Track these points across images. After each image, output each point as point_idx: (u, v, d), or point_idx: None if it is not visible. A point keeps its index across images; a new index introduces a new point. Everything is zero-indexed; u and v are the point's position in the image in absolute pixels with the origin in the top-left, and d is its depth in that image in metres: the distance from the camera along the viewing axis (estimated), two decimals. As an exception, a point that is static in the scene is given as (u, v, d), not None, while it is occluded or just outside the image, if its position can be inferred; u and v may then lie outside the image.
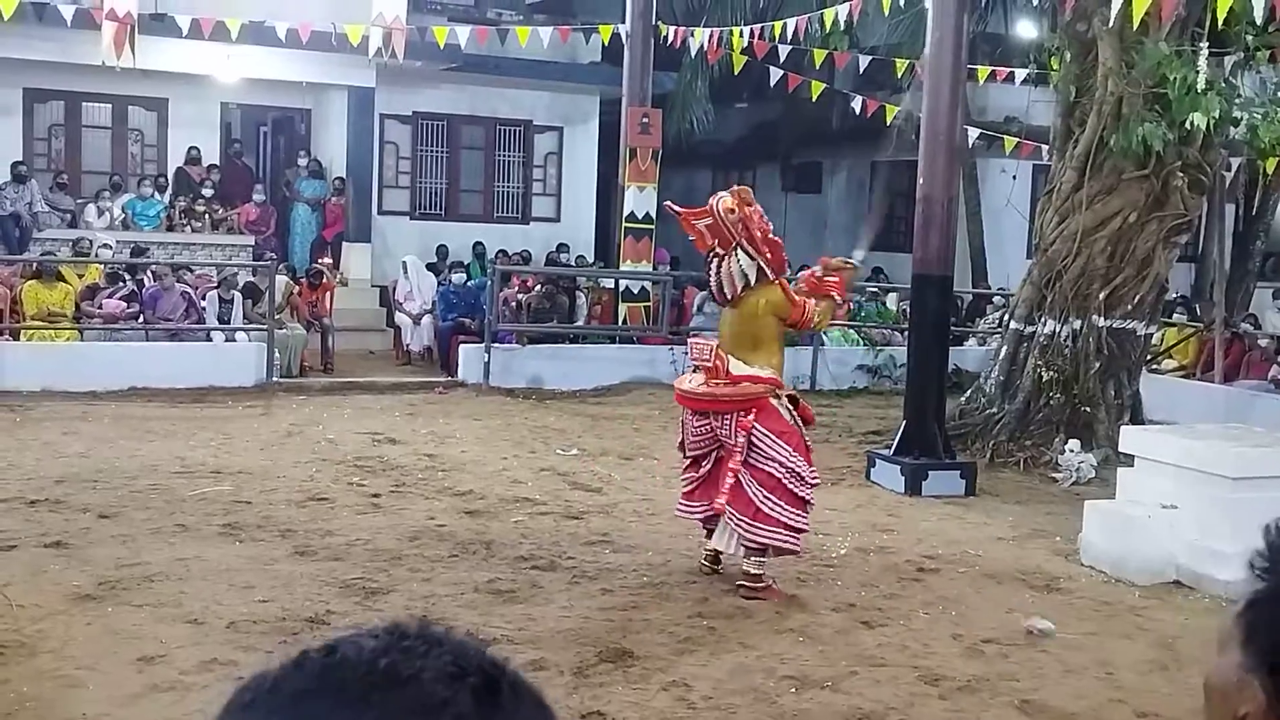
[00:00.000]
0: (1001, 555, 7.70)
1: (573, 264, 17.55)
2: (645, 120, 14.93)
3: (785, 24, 14.62)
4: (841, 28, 14.63)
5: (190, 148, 17.18)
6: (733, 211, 7.04)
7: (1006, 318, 12.31)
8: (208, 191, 16.74)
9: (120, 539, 7.00)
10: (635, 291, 15.11)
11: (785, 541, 6.57)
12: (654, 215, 15.18)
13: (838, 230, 22.69)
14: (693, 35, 15.19)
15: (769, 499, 6.51)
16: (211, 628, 5.65)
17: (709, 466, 6.87)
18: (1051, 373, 10.77)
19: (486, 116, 19.01)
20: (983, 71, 15.41)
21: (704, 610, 6.27)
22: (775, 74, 15.59)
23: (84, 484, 8.26)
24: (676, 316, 15.26)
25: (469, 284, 15.13)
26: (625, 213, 15.03)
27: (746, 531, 6.52)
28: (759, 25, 15.33)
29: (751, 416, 6.60)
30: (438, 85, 17.97)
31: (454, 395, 12.96)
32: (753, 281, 6.91)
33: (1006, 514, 8.87)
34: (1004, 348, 11.44)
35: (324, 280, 14.49)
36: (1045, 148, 13.23)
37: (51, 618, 5.66)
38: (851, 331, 15.77)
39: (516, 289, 15.37)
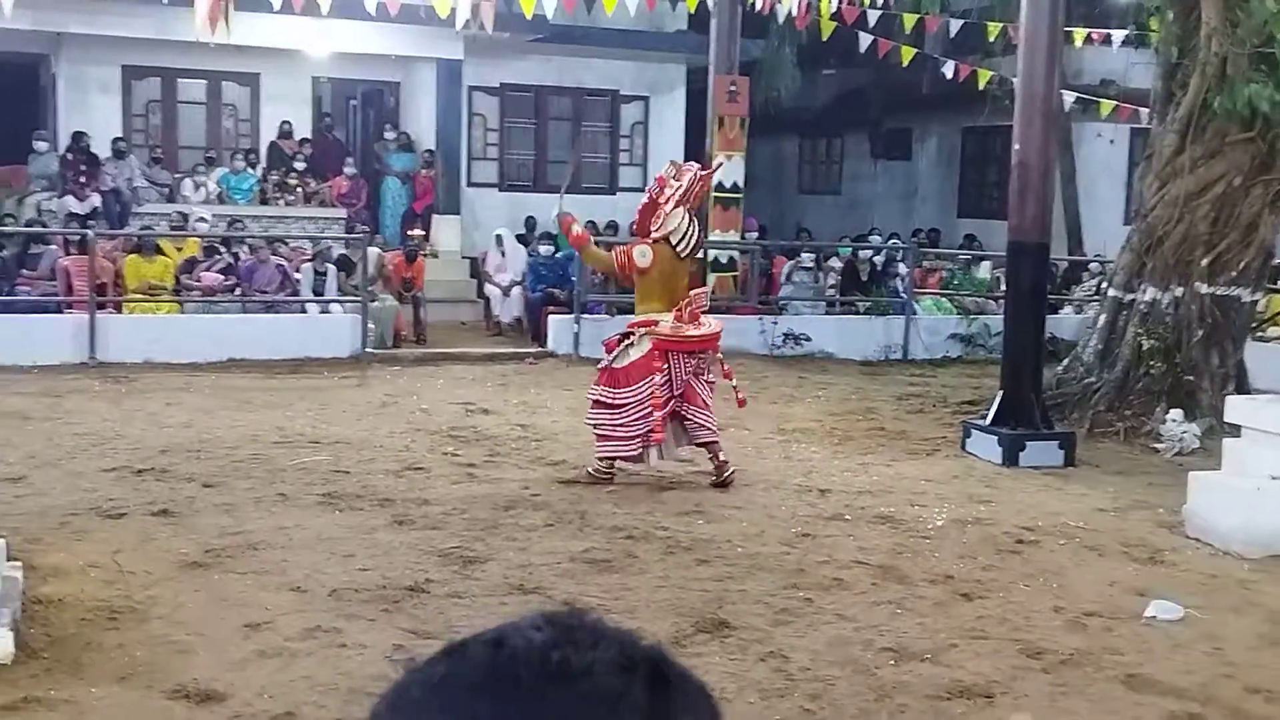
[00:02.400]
0: (1103, 527, 7.56)
1: (660, 234, 17.50)
2: (733, 88, 14.81)
3: (876, -12, 14.41)
4: (933, -9, 14.39)
5: (282, 122, 17.41)
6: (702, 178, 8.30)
7: (1104, 285, 12.07)
8: (300, 165, 16.96)
9: (224, 508, 7.15)
10: (724, 261, 15.04)
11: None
12: (742, 184, 15.08)
13: (929, 197, 22.42)
14: (780, 1, 15.01)
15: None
16: (314, 595, 5.75)
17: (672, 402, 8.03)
18: (1152, 341, 10.53)
19: (573, 87, 19.02)
20: (1079, 34, 15.07)
21: (799, 581, 6.24)
22: (864, 39, 15.38)
23: (188, 454, 8.44)
24: (766, 286, 15.17)
25: (557, 255, 15.17)
26: (713, 182, 14.93)
27: (716, 434, 8.17)
28: (849, -10, 15.11)
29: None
30: (525, 56, 18.00)
31: (544, 366, 13.03)
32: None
33: (1107, 485, 8.71)
34: (1102, 315, 11.21)
35: (420, 253, 14.63)
36: (1144, 111, 12.90)
37: (161, 584, 5.79)
38: (944, 300, 15.56)
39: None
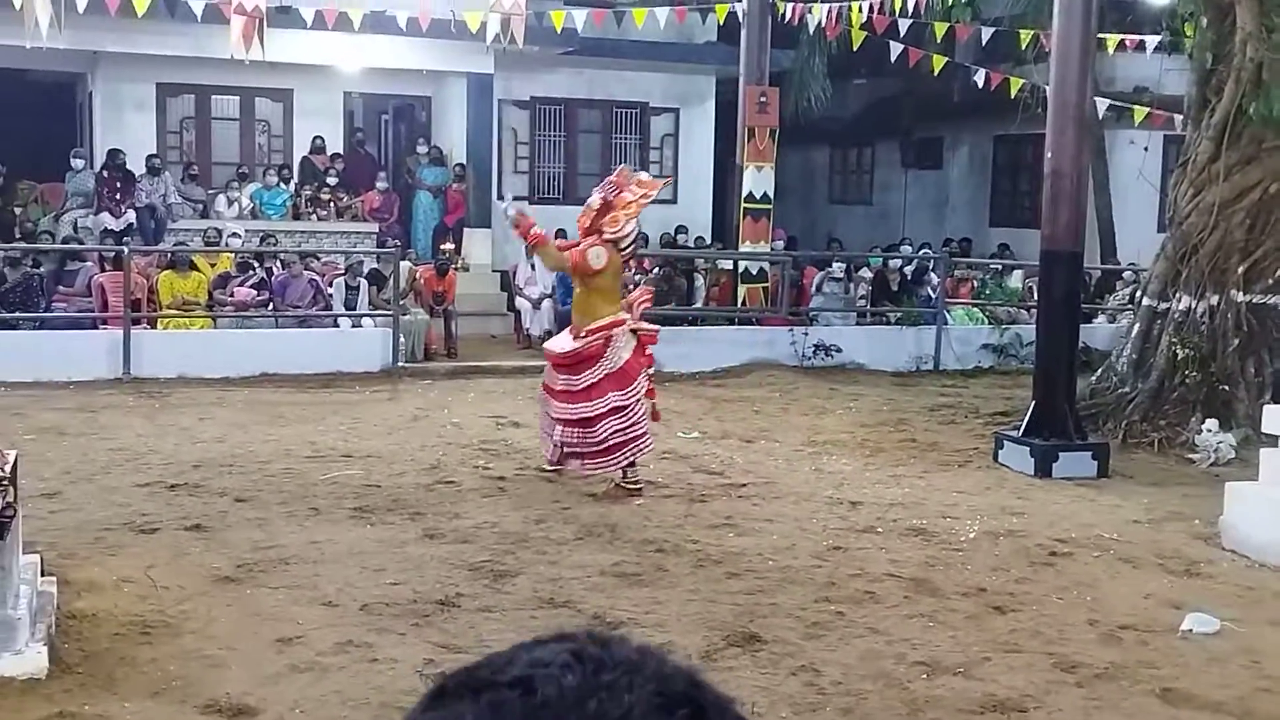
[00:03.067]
0: (1137, 539, 7.49)
1: (691, 245, 17.52)
2: (763, 99, 14.81)
3: (905, -2, 14.37)
4: (964, 0, 14.34)
5: (315, 137, 17.53)
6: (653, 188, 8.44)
7: (1138, 294, 11.97)
8: (332, 180, 17.05)
9: (256, 522, 7.19)
10: (754, 272, 15.02)
11: None
12: (772, 195, 15.07)
13: (960, 207, 22.32)
14: (810, 12, 15.03)
15: None
16: (346, 609, 5.77)
17: None
18: (1187, 350, 10.44)
19: (603, 99, 19.05)
20: (1111, 40, 14.98)
21: (831, 594, 6.21)
22: (895, 49, 15.34)
23: (220, 468, 8.50)
24: (796, 297, 15.14)
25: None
26: (743, 193, 14.94)
27: None
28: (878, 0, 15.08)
29: None
30: (555, 70, 18.05)
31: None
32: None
33: (1141, 496, 8.63)
34: (1136, 325, 11.12)
35: (451, 267, 14.68)
36: (1178, 118, 12.80)
37: (194, 599, 5.83)
38: (976, 310, 15.47)
39: (634, 271, 15.39)
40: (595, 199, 8.13)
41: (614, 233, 8.02)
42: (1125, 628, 5.86)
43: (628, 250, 8.27)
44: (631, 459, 8.06)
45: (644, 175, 8.60)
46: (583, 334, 7.96)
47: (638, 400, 8.00)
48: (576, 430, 7.94)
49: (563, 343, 8.14)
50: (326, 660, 5.15)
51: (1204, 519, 7.77)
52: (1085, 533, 7.54)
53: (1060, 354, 9.78)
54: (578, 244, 8.30)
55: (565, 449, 8.02)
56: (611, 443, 7.93)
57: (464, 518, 7.42)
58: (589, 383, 7.92)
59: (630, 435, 7.96)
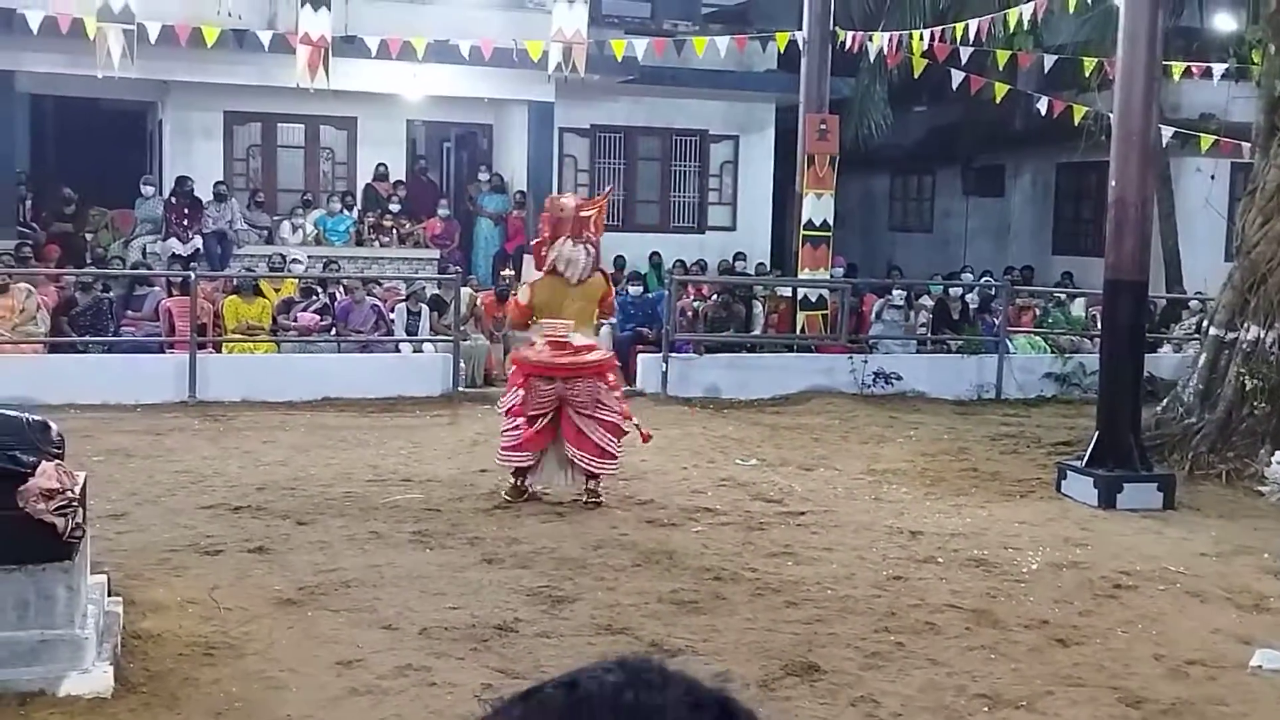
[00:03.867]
0: (1204, 572, 7.35)
1: (751, 273, 17.52)
2: (823, 126, 14.80)
3: (967, 25, 14.32)
4: (1026, 27, 14.27)
5: (378, 164, 17.76)
6: (583, 209, 8.68)
7: (1205, 323, 11.80)
8: (394, 207, 17.26)
9: (318, 545, 7.25)
10: (813, 299, 14.98)
11: (616, 468, 8.64)
12: (832, 222, 15.04)
13: (1022, 235, 22.14)
14: (871, 40, 15.01)
15: (612, 441, 8.38)
16: (405, 633, 5.80)
17: (543, 423, 8.31)
18: (1256, 381, 10.26)
19: (662, 127, 19.14)
20: (1177, 67, 14.83)
21: (890, 625, 6.16)
22: (957, 76, 15.29)
23: (283, 491, 8.59)
24: (855, 324, 15.07)
25: (646, 295, 15.23)
26: (803, 220, 14.92)
27: (594, 466, 8.31)
28: (939, 27, 15.04)
29: (611, 377, 8.54)
30: (615, 98, 18.17)
31: (632, 404, 13.01)
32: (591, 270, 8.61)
33: (1209, 529, 8.48)
34: (1203, 355, 10.95)
35: (511, 293, 14.77)
36: (1246, 145, 12.64)
37: (256, 620, 5.89)
38: (1038, 339, 15.32)
39: (693, 298, 15.42)
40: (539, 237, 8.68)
41: (549, 262, 8.47)
42: (1192, 663, 5.75)
43: (571, 273, 8.43)
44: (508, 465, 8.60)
45: (569, 199, 9.17)
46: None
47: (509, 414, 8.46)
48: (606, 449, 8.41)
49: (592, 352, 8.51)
50: (386, 684, 5.19)
51: (1273, 553, 7.62)
52: (1151, 565, 7.42)
53: (1125, 384, 9.65)
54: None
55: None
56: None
57: (522, 543, 7.44)
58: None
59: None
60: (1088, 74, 15.09)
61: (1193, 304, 16.16)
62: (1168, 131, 15.00)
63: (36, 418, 5.25)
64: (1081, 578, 7.11)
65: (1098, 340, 11.98)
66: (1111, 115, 9.87)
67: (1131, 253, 9.56)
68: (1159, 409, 11.02)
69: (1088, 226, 20.33)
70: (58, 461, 5.04)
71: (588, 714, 0.80)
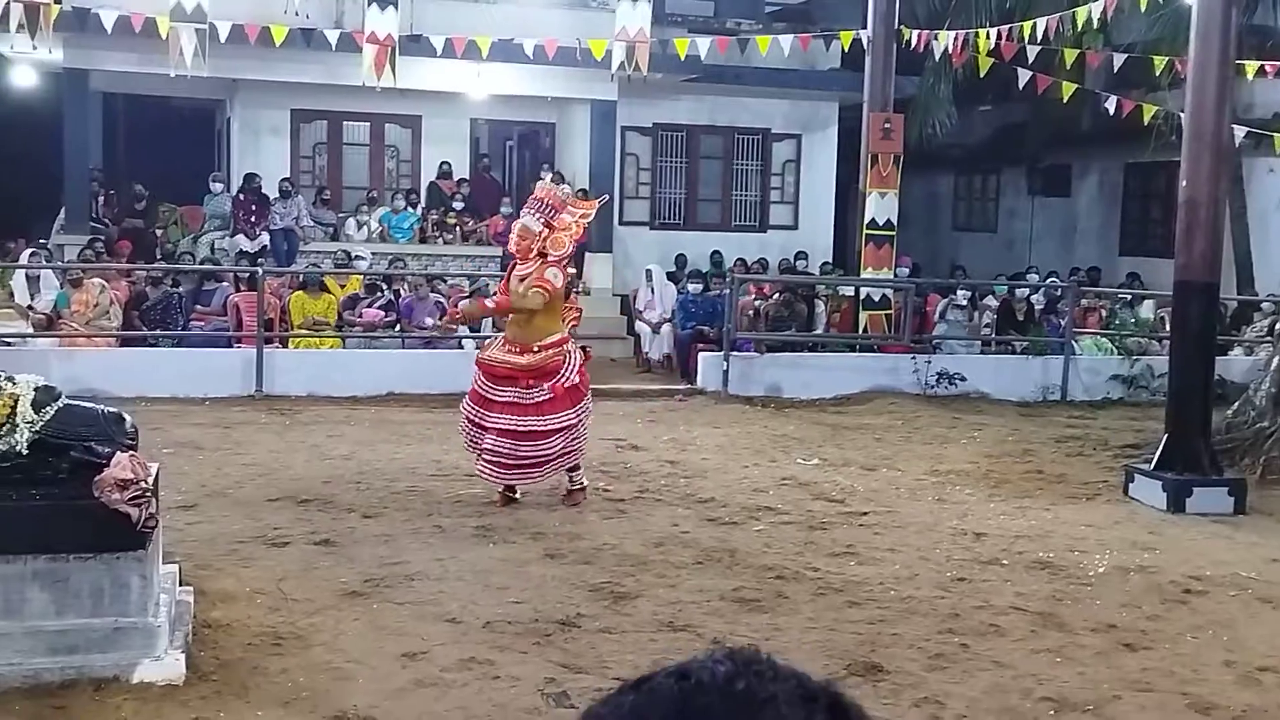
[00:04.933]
0: (1276, 578, 7.22)
1: (813, 272, 17.45)
2: (887, 125, 14.71)
3: (1035, 24, 14.16)
4: (1095, 25, 14.08)
5: (442, 162, 17.89)
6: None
7: (1277, 325, 11.59)
8: (458, 204, 17.37)
9: (382, 538, 7.33)
10: (876, 299, 14.89)
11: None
12: (895, 221, 14.94)
13: (1089, 235, 21.88)
14: (936, 39, 14.89)
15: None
16: (469, 626, 5.85)
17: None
18: (1329, 385, 10.07)
19: (725, 126, 19.12)
20: (1250, 66, 14.56)
21: (955, 626, 6.11)
22: (1023, 75, 15.12)
23: (348, 485, 8.69)
24: (919, 324, 14.97)
25: (707, 293, 15.22)
26: (866, 219, 14.84)
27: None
28: (1006, 26, 14.89)
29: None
30: (677, 96, 18.17)
31: (693, 403, 13.05)
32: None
33: (1280, 534, 8.34)
34: (1275, 357, 10.77)
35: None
36: (1321, 145, 12.41)
37: (322, 612, 5.96)
38: (1105, 340, 15.12)
39: (754, 297, 15.39)
40: (533, 222, 8.05)
41: (559, 255, 8.11)
42: (1264, 669, 5.66)
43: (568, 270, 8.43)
44: (574, 463, 8.31)
45: (566, 188, 8.78)
46: (536, 349, 7.96)
47: (587, 413, 8.29)
48: (511, 442, 7.91)
49: (510, 356, 8.03)
50: (450, 676, 5.23)
51: (1347, 560, 7.47)
52: (1221, 570, 7.30)
53: (1195, 386, 9.51)
54: (517, 275, 8.13)
55: (491, 459, 7.99)
56: (552, 458, 8.05)
57: (584, 539, 7.47)
58: (542, 399, 7.95)
59: (572, 449, 8.19)
60: (1158, 73, 14.86)
61: (1265, 306, 15.89)
62: (1240, 131, 14.73)
63: (111, 409, 5.36)
64: (1150, 582, 7.02)
65: (1166, 342, 11.81)
66: (1182, 114, 9.73)
67: (1202, 254, 9.41)
68: (1230, 412, 10.84)
69: (1156, 227, 20.04)
70: (132, 453, 5.13)
71: (701, 702, 0.81)
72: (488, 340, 8.80)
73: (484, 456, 8.05)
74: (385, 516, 7.85)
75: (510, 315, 8.25)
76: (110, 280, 13.27)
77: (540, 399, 7.95)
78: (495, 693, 5.09)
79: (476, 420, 8.10)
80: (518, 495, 8.29)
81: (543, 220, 8.06)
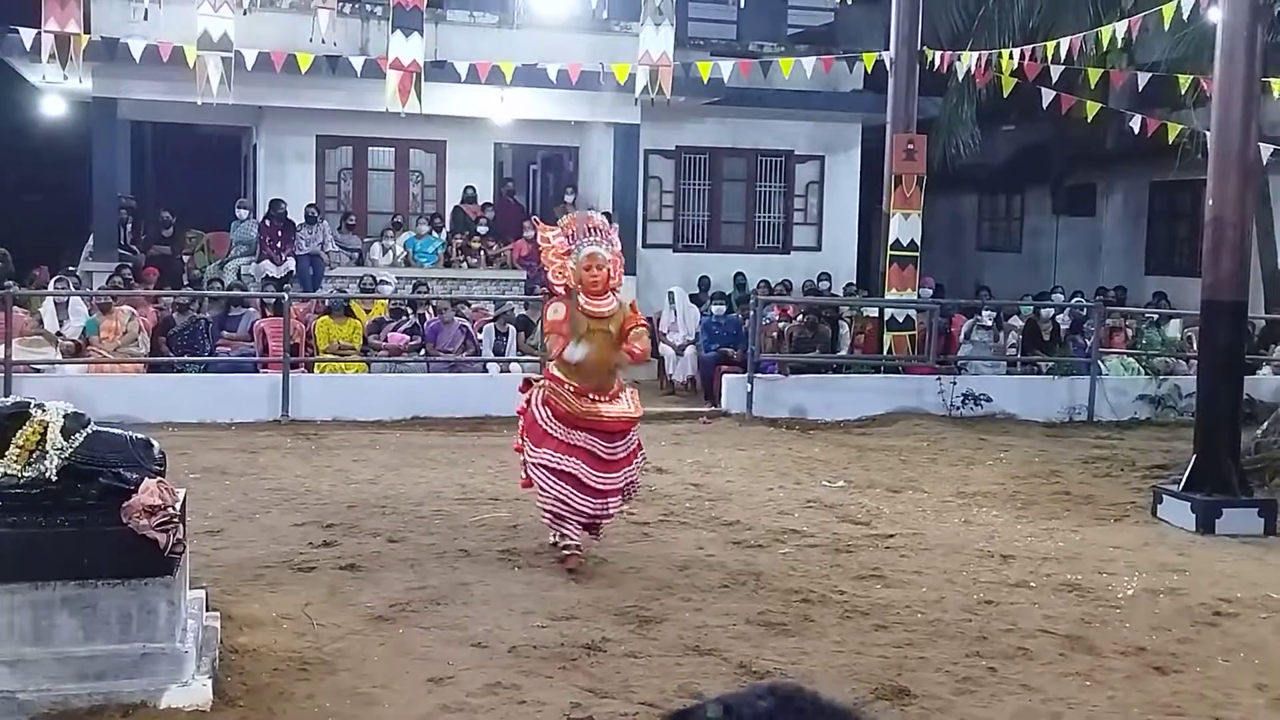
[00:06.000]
0: (1308, 601, 7.16)
1: (837, 293, 17.43)
2: (910, 147, 14.71)
3: (1058, 43, 14.14)
4: (1119, 45, 14.05)
5: (466, 187, 17.97)
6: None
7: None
8: (482, 229, 17.44)
9: (408, 563, 7.34)
10: (900, 320, 14.87)
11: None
12: (919, 242, 14.92)
13: (1114, 254, 21.79)
14: (960, 59, 14.89)
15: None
16: (495, 651, 5.84)
17: None
18: (1360, 404, 9.98)
19: (748, 148, 19.14)
20: (1276, 84, 14.49)
21: (982, 649, 6.07)
22: (1047, 95, 15.10)
23: (373, 509, 8.71)
24: (944, 345, 14.92)
25: (731, 315, 15.22)
26: (890, 240, 14.82)
27: None
28: (1029, 46, 14.87)
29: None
30: (700, 119, 18.22)
31: (718, 425, 13.04)
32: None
33: (1312, 556, 8.25)
34: (1304, 377, 10.68)
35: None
36: (1348, 162, 12.33)
37: (349, 637, 5.97)
38: (1131, 360, 15.04)
39: (779, 319, 15.38)
40: (604, 250, 7.27)
41: (561, 281, 7.35)
42: (1297, 693, 5.60)
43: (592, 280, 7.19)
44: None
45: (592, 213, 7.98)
46: (621, 393, 7.36)
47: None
48: (623, 494, 7.40)
49: (613, 409, 7.26)
50: (476, 701, 5.23)
51: (1380, 581, 7.39)
52: (1252, 593, 7.24)
53: (1223, 406, 9.45)
54: (589, 312, 7.25)
55: (599, 516, 7.34)
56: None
57: (609, 562, 7.46)
58: (636, 442, 7.45)
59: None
60: (1183, 92, 14.81)
61: (1293, 325, 15.76)
62: (1267, 149, 14.65)
63: (140, 435, 5.39)
64: (1179, 604, 6.96)
65: (1193, 362, 11.74)
66: (1208, 133, 9.70)
67: (1229, 273, 9.37)
68: (1259, 433, 10.76)
69: (1182, 246, 19.94)
70: (159, 479, 5.16)
71: None
72: (540, 386, 7.42)
73: (594, 519, 7.33)
74: (411, 541, 7.87)
75: (583, 362, 7.16)
76: (138, 307, 13.37)
77: (635, 442, 7.46)
78: (521, 718, 5.08)
79: (595, 486, 7.16)
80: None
81: (610, 249, 7.32)
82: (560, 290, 7.39)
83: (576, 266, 7.24)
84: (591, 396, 7.20)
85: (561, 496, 7.13)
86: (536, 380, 7.56)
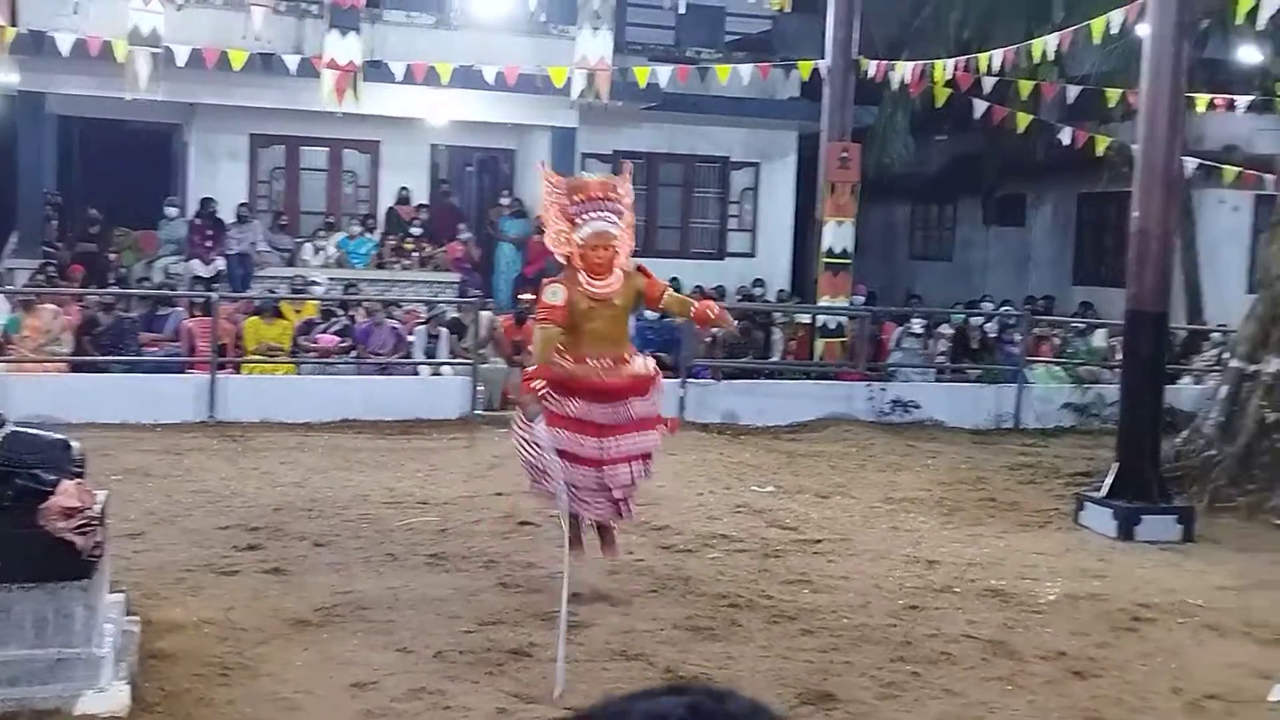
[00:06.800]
0: (1224, 606, 7.30)
1: (770, 299, 17.53)
2: (845, 155, 14.83)
3: (991, 55, 14.34)
4: (1050, 58, 14.28)
5: (401, 188, 17.86)
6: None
7: (1226, 355, 11.75)
8: (416, 230, 17.34)
9: (334, 567, 7.27)
10: (832, 327, 14.98)
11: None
12: (852, 250, 15.05)
13: (1043, 265, 22.10)
14: (894, 69, 15.04)
15: None
16: (420, 656, 5.80)
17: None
18: (1277, 414, 10.20)
19: (684, 154, 19.22)
20: (1201, 99, 14.81)
21: (906, 655, 6.13)
22: (979, 106, 15.30)
23: (299, 512, 8.61)
24: (874, 352, 15.05)
25: (665, 319, 15.23)
26: (823, 247, 14.93)
27: None
28: (963, 57, 15.07)
29: None
30: (638, 124, 18.25)
31: (651, 430, 13.02)
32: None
33: (1228, 562, 8.42)
34: (1224, 387, 10.90)
35: (530, 317, 14.82)
36: (1269, 177, 12.62)
37: (271, 641, 5.90)
38: (1057, 369, 15.27)
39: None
40: (612, 226, 6.64)
41: (628, 254, 6.77)
42: (1211, 697, 5.71)
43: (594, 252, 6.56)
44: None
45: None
46: (630, 356, 6.72)
47: None
48: (645, 465, 6.74)
49: (613, 374, 6.59)
50: (400, 707, 5.19)
51: (1294, 587, 7.56)
52: (1169, 598, 7.37)
53: (1145, 415, 9.61)
54: (594, 295, 6.63)
55: (624, 498, 6.77)
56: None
57: (538, 567, 7.44)
58: (659, 405, 6.81)
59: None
60: (1111, 105, 15.08)
61: (1214, 336, 16.10)
62: (1191, 163, 14.97)
63: (57, 436, 5.29)
64: (1099, 609, 7.07)
65: (1117, 371, 11.94)
66: (1135, 146, 9.87)
67: (1153, 284, 9.54)
68: (1179, 441, 10.96)
69: (1109, 257, 20.27)
70: (78, 480, 5.07)
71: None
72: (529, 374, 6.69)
73: (601, 494, 6.68)
74: (337, 544, 7.79)
75: (587, 332, 6.57)
76: (62, 305, 13.13)
77: (657, 408, 6.75)
78: (445, 723, 5.05)
79: (589, 455, 6.54)
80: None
81: (620, 220, 6.68)
82: (558, 258, 6.78)
83: (582, 243, 6.56)
84: (600, 364, 6.56)
85: (541, 465, 6.48)
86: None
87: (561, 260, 6.77)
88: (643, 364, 6.78)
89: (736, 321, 7.13)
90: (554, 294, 6.57)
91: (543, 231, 15.05)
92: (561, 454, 6.42)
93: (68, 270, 15.48)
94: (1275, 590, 7.67)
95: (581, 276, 6.60)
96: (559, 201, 6.71)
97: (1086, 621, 6.83)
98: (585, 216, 6.60)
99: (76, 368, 12.65)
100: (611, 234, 6.59)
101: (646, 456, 6.76)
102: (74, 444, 5.29)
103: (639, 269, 6.96)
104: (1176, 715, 5.49)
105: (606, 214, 6.61)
